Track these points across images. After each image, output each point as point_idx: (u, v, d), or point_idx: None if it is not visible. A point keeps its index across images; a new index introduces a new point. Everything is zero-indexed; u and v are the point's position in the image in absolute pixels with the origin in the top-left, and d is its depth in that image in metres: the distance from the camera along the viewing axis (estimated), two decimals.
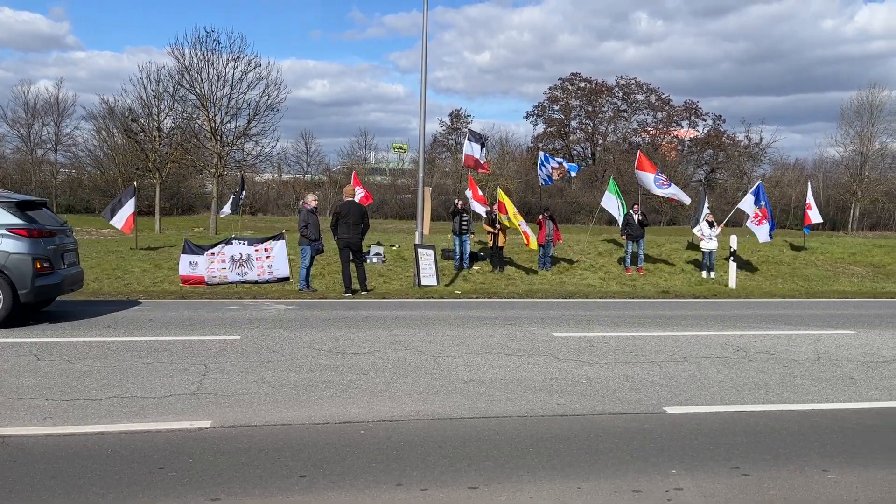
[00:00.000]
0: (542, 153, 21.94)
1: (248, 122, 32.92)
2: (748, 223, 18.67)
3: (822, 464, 4.83)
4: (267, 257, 15.47)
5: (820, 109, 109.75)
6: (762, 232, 18.55)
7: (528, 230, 16.53)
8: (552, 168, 20.65)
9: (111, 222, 19.34)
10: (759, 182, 20.16)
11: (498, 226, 17.25)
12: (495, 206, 17.19)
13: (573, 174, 21.56)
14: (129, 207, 18.93)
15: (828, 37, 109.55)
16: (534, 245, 16.91)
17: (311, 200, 15.01)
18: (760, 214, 18.48)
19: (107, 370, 7.10)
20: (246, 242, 15.70)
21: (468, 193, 19.81)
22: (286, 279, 15.44)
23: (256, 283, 15.14)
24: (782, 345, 9.20)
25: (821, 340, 9.59)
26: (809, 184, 23.83)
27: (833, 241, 23.70)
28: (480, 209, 19.33)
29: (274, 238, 15.86)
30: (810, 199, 21.59)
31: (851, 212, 53.68)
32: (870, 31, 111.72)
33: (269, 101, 32.86)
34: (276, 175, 62.58)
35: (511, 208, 16.70)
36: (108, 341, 8.63)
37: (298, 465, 4.64)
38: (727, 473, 4.63)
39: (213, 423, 5.45)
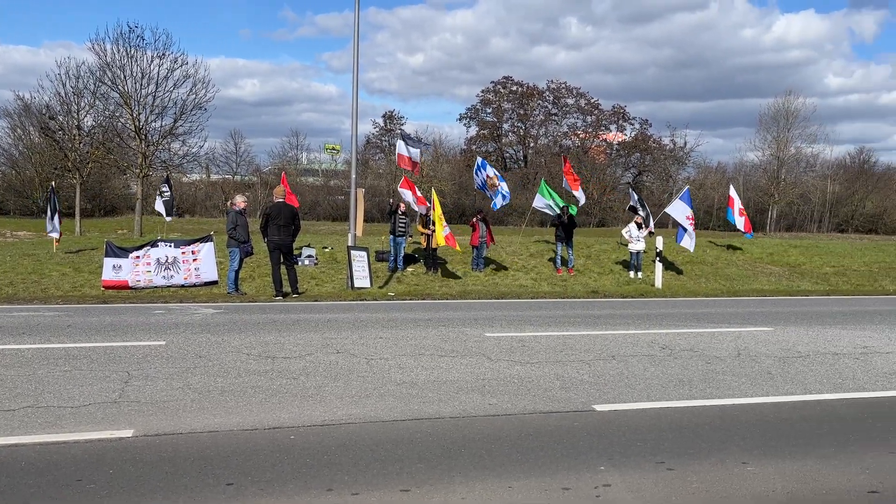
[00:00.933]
0: (479, 158, 22.07)
1: (175, 121, 31.93)
2: (688, 228, 19.11)
3: (742, 457, 5.00)
4: (194, 260, 15.06)
5: (740, 115, 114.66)
6: (691, 238, 19.05)
7: (449, 233, 16.45)
8: (487, 176, 20.76)
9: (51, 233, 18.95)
10: (686, 187, 20.87)
11: (431, 227, 17.24)
12: (429, 208, 17.18)
13: (502, 200, 21.17)
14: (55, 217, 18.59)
15: (747, 46, 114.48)
16: (459, 248, 16.97)
17: (239, 201, 14.69)
18: (692, 219, 19.08)
19: (21, 379, 6.76)
20: (172, 245, 15.25)
21: (406, 195, 18.80)
22: (214, 282, 15.06)
23: (183, 286, 14.71)
24: (705, 342, 9.52)
25: (741, 337, 9.97)
26: (732, 187, 24.69)
27: (752, 241, 24.67)
28: (421, 209, 18.65)
29: (201, 240, 15.45)
30: (740, 203, 22.51)
31: (769, 214, 56.05)
32: (786, 40, 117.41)
33: (197, 100, 31.95)
34: (204, 176, 61.00)
35: (438, 210, 16.71)
36: (22, 349, 8.22)
37: (226, 472, 4.51)
38: (653, 469, 4.75)
39: (136, 432, 5.26)
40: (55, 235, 18.93)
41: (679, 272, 19.55)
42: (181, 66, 31.60)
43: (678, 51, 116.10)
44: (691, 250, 19.51)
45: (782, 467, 4.82)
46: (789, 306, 14.48)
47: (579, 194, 22.93)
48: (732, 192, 23.21)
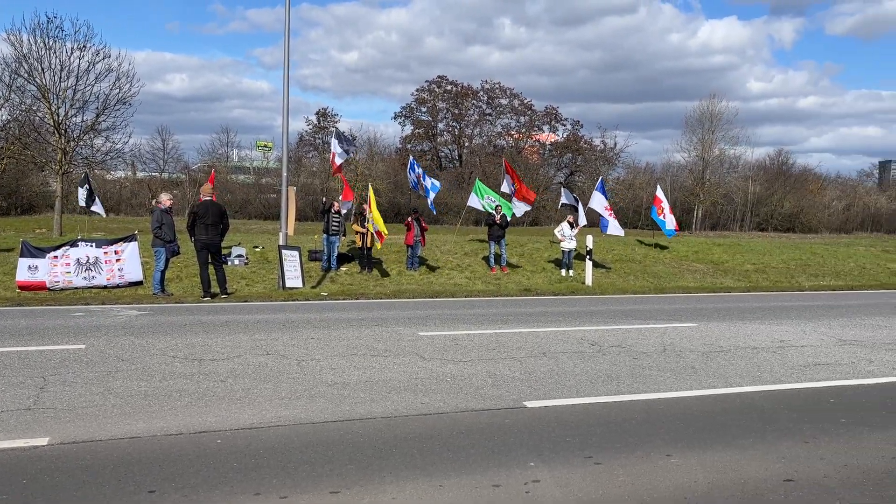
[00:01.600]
0: (411, 158, 22.07)
1: (97, 116, 30.64)
2: (609, 217, 20.19)
3: (667, 449, 5.14)
4: (117, 260, 14.54)
5: (667, 117, 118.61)
6: (616, 226, 20.19)
7: (382, 232, 16.23)
8: (417, 175, 20.77)
9: None
10: (600, 178, 21.71)
11: (367, 225, 17.09)
12: (365, 206, 17.00)
13: (431, 195, 20.99)
14: None
15: (674, 50, 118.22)
16: (377, 247, 16.93)
17: (165, 200, 14.24)
18: (610, 209, 20.36)
19: None
20: (94, 244, 14.69)
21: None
22: (139, 283, 14.58)
23: (106, 287, 14.18)
24: (633, 338, 9.75)
25: (667, 333, 10.26)
26: (659, 187, 25.33)
27: (678, 240, 25.46)
28: (345, 204, 18.26)
29: (125, 239, 14.93)
30: (667, 203, 23.23)
31: (695, 213, 57.98)
32: (710, 45, 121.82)
33: (121, 95, 30.74)
34: (129, 173, 58.94)
35: (374, 205, 16.55)
36: None
37: (148, 479, 4.36)
38: (581, 463, 4.83)
39: (52, 440, 5.03)
40: None
41: (609, 270, 19.99)
42: (103, 58, 30.34)
43: (608, 54, 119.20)
44: (622, 234, 20.78)
45: (704, 458, 4.97)
46: (712, 302, 14.99)
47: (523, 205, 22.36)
48: (659, 193, 23.87)
